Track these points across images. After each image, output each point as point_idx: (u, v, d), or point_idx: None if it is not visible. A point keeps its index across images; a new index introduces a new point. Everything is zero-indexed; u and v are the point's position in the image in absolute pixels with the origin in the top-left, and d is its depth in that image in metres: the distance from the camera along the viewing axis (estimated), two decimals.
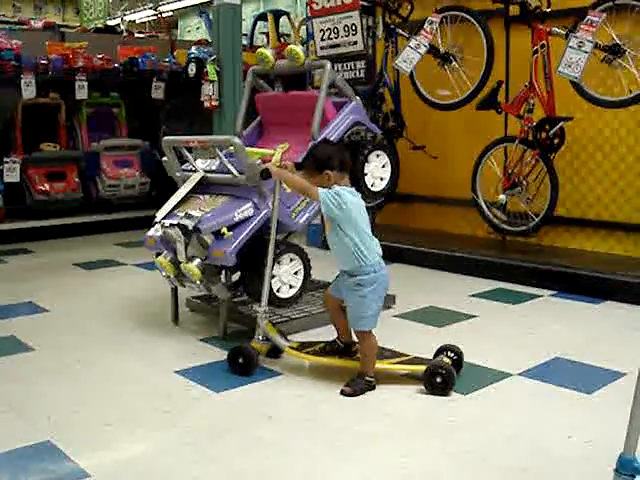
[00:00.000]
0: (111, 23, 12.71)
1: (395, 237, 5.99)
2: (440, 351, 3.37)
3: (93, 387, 3.34)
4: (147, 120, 8.10)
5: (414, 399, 3.13)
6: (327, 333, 3.73)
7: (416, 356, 3.39)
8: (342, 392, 3.16)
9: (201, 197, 3.86)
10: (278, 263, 3.70)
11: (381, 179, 4.27)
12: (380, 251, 3.22)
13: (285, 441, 2.76)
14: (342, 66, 5.69)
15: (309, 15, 5.91)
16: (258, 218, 3.69)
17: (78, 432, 2.86)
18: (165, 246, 3.80)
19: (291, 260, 3.79)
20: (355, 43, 5.47)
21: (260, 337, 3.46)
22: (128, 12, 15.51)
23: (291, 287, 3.81)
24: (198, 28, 15.48)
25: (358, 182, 4.14)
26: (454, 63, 5.61)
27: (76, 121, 7.53)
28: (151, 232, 3.89)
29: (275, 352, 3.58)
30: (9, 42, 6.92)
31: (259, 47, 8.29)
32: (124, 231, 7.25)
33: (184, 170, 4.08)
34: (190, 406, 3.10)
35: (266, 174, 3.32)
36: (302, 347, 3.49)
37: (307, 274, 3.86)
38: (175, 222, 3.68)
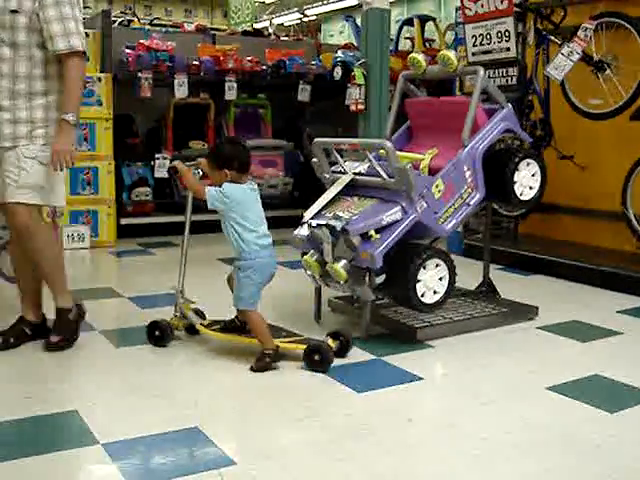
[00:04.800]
0: (257, 26, 13.02)
1: (538, 248, 5.89)
2: (329, 334, 3.66)
3: (238, 378, 3.44)
4: (291, 121, 8.25)
5: (560, 414, 3.07)
6: (471, 339, 3.71)
7: (308, 337, 3.67)
8: (251, 368, 3.47)
9: (349, 199, 3.90)
10: (424, 268, 3.70)
11: (530, 188, 4.22)
12: (264, 242, 3.56)
13: (424, 445, 2.77)
14: (493, 72, 5.62)
15: (461, 21, 5.88)
16: (406, 222, 3.70)
17: (223, 421, 2.97)
18: (312, 246, 3.86)
19: (437, 266, 3.78)
20: (508, 49, 5.41)
21: (177, 314, 3.85)
22: (274, 16, 15.85)
23: (435, 293, 3.81)
24: (341, 32, 15.66)
25: (507, 190, 4.11)
26: (608, 71, 5.44)
27: (224, 121, 7.73)
28: (298, 231, 3.97)
29: (193, 330, 3.90)
30: (164, 44, 7.20)
31: (404, 52, 8.38)
32: None
33: (333, 172, 4.13)
34: (332, 404, 3.15)
35: (173, 171, 3.71)
36: (210, 325, 3.81)
37: (452, 281, 3.84)
38: (323, 222, 3.74)
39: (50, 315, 3.89)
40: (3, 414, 2.94)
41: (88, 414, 2.95)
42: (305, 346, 3.52)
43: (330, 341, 3.59)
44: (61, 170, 3.58)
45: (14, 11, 3.49)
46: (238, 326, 3.74)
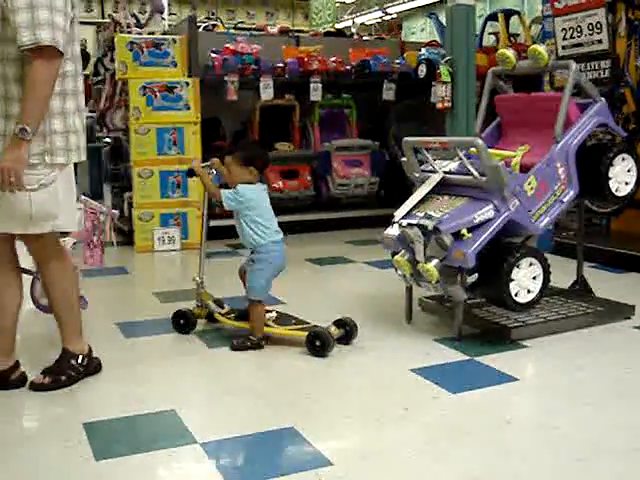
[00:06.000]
0: (338, 26, 13.06)
1: (633, 245, 5.71)
2: (334, 322, 3.83)
3: (331, 379, 3.47)
4: (376, 121, 8.22)
5: None
6: (566, 339, 3.63)
7: (314, 325, 3.85)
8: (230, 346, 3.80)
9: (440, 198, 3.87)
10: (517, 267, 3.66)
11: (626, 183, 4.12)
12: (276, 237, 3.86)
13: (523, 447, 2.72)
14: (584, 66, 5.50)
15: (548, 14, 5.76)
16: (498, 221, 3.65)
17: (319, 421, 2.97)
18: (403, 245, 3.85)
19: (530, 264, 3.73)
20: (600, 42, 5.29)
21: (198, 303, 4.13)
22: (355, 15, 15.85)
23: (529, 292, 3.76)
24: (423, 30, 15.55)
25: (602, 186, 4.02)
26: None
27: (309, 121, 7.76)
28: (389, 231, 3.96)
29: (213, 319, 4.16)
30: (249, 47, 7.27)
31: (489, 48, 8.25)
32: (352, 229, 7.44)
33: (423, 170, 4.11)
34: (427, 405, 3.13)
35: (190, 173, 4.02)
36: (226, 314, 4.08)
37: (546, 279, 3.78)
38: (414, 222, 3.72)
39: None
40: (104, 413, 3.03)
41: (185, 413, 3.01)
42: (307, 333, 3.72)
43: (333, 329, 3.77)
44: (11, 192, 2.88)
45: None
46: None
